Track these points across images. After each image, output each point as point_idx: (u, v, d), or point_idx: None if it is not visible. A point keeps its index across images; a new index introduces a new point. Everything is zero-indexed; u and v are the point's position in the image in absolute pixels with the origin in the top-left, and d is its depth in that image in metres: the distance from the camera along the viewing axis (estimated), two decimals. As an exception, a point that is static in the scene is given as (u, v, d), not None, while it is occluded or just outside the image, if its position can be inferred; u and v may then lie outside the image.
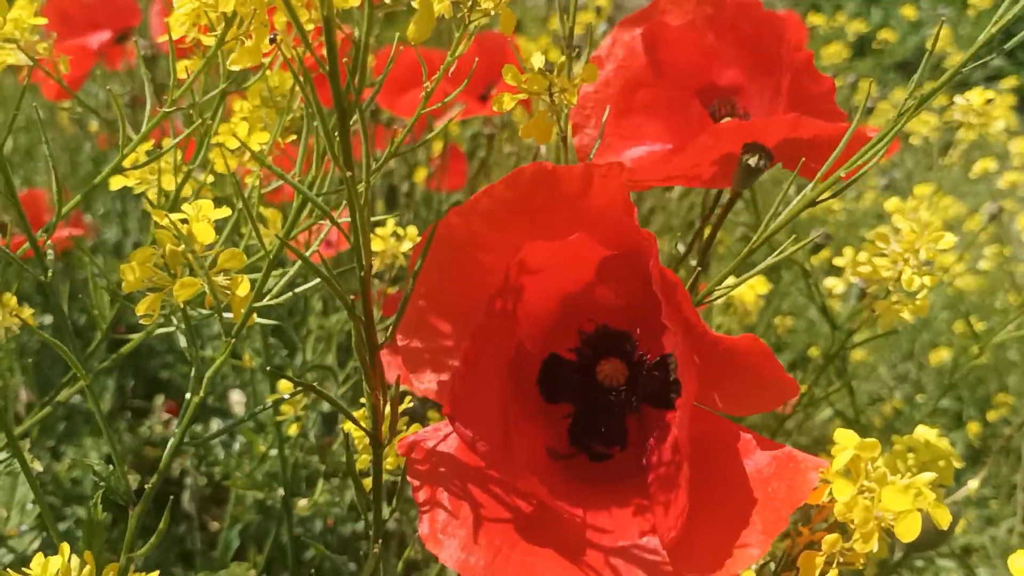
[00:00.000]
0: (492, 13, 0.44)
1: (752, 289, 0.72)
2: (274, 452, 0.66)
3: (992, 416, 1.52)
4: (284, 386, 0.58)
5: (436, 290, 0.44)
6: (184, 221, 0.39)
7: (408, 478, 0.43)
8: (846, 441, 0.37)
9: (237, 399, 0.91)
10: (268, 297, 0.46)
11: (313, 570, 0.76)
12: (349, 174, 0.39)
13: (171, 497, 0.49)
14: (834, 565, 0.36)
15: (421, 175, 1.23)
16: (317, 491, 0.64)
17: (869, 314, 0.56)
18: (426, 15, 0.42)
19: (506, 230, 0.41)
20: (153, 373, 1.11)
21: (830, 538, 0.36)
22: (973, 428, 1.52)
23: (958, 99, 0.81)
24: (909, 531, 0.34)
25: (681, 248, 0.64)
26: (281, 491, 0.67)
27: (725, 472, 0.40)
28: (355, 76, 0.38)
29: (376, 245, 0.65)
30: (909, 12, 2.64)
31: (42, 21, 0.67)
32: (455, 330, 0.44)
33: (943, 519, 0.35)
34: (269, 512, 0.79)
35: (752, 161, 0.48)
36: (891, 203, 0.80)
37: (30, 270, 0.50)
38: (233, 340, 0.43)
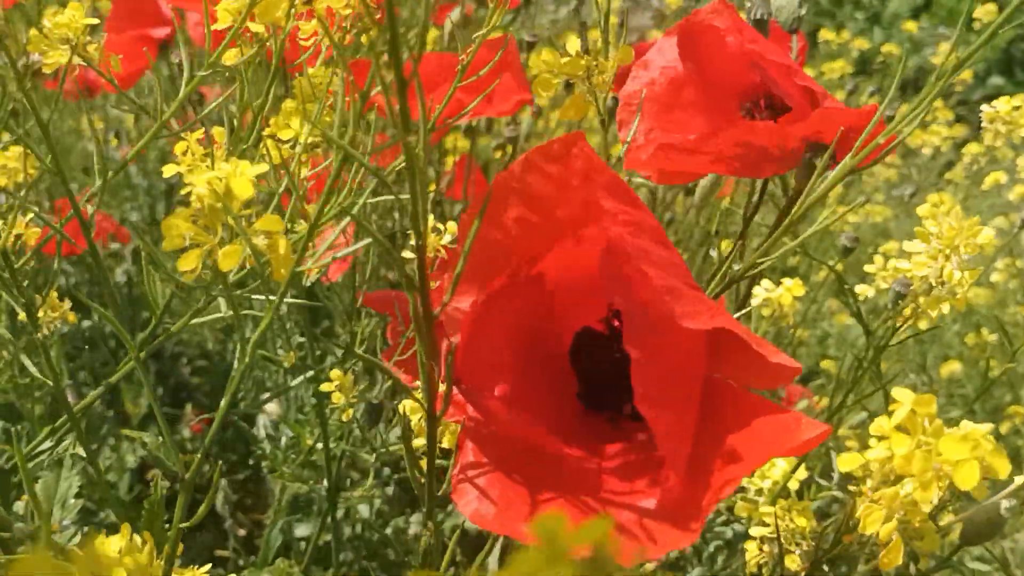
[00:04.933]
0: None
1: (789, 292, 0.74)
2: (320, 445, 0.67)
3: (1005, 428, 1.53)
4: (335, 374, 0.60)
5: (481, 244, 0.44)
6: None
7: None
8: (903, 397, 0.38)
9: (272, 409, 0.93)
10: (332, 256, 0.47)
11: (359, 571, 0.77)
12: (408, 139, 0.41)
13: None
14: (894, 520, 0.38)
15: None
16: (368, 482, 0.66)
17: (912, 312, 0.57)
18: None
19: (559, 185, 0.42)
20: (181, 378, 1.12)
21: (889, 492, 0.38)
22: (987, 439, 1.53)
23: (985, 107, 0.83)
24: (968, 479, 0.36)
25: (714, 253, 0.67)
26: (325, 483, 0.69)
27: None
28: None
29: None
30: (911, 28, 2.70)
31: (94, 22, 0.69)
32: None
33: (1003, 468, 0.36)
34: (312, 508, 0.80)
35: (816, 160, 0.51)
36: (923, 208, 0.82)
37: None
38: (277, 301, 0.45)
